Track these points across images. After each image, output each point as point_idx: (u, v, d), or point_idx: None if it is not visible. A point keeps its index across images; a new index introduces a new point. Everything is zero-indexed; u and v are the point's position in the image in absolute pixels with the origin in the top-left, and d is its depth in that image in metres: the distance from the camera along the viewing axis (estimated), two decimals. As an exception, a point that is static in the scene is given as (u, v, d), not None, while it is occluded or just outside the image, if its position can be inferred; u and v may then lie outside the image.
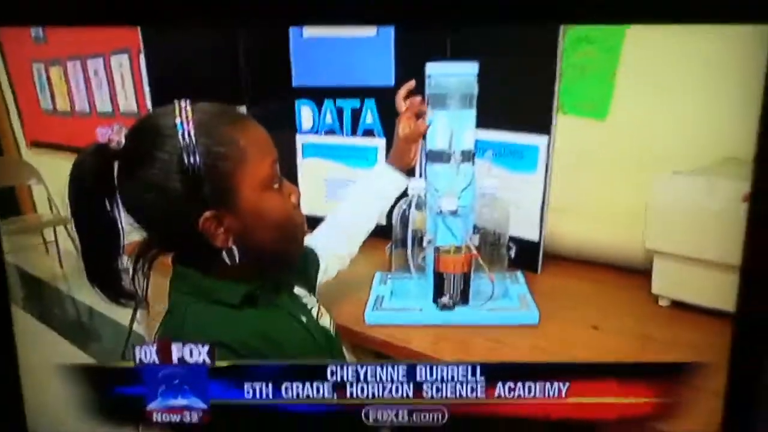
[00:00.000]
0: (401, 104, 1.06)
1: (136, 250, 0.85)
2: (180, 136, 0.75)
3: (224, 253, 0.79)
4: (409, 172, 1.09)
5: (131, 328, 0.96)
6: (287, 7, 0.86)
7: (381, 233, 1.11)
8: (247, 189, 0.79)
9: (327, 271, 1.05)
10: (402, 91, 1.07)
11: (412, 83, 1.05)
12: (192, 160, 0.74)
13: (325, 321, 0.96)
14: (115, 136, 0.76)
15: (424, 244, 1.08)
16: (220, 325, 0.84)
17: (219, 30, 0.98)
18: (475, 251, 1.04)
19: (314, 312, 0.94)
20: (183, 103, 0.77)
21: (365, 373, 0.92)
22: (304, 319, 0.91)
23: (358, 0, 0.83)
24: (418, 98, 1.05)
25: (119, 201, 0.80)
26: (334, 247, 1.06)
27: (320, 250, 1.04)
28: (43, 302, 1.23)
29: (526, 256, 1.13)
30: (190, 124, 0.75)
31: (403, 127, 1.07)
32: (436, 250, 1.05)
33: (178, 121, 0.75)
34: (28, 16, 0.89)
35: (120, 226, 0.81)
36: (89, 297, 0.93)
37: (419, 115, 1.05)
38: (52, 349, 1.13)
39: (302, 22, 0.98)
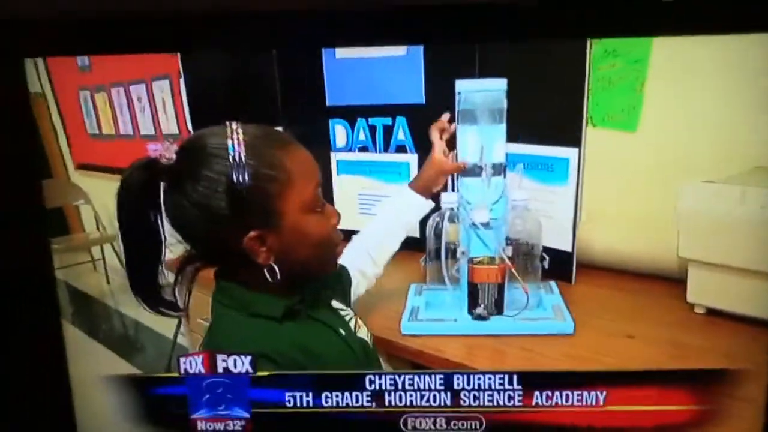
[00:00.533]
0: (435, 136, 1.08)
1: (179, 262, 0.87)
2: (230, 157, 0.77)
3: (265, 270, 0.82)
4: (432, 197, 1.11)
5: (175, 340, 0.99)
6: (319, 31, 0.89)
7: (415, 246, 1.13)
8: (293, 212, 0.81)
9: (357, 289, 1.07)
10: (437, 125, 1.08)
11: (447, 116, 1.07)
12: (241, 180, 0.77)
13: (362, 333, 0.97)
14: (166, 152, 0.79)
15: (458, 255, 1.09)
16: (262, 338, 0.86)
17: (254, 53, 1.01)
18: (508, 262, 1.05)
19: (352, 324, 0.96)
20: (234, 125, 0.79)
21: (403, 382, 0.93)
22: (342, 331, 0.92)
23: (387, 22, 0.85)
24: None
25: (163, 215, 0.83)
26: (360, 267, 1.07)
27: (349, 269, 1.06)
28: (92, 317, 1.26)
29: (560, 267, 1.13)
30: (241, 145, 0.78)
31: (442, 161, 1.08)
32: (470, 261, 1.07)
33: (229, 142, 0.78)
34: (76, 47, 0.93)
35: (163, 239, 0.84)
36: (135, 311, 0.97)
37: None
38: (101, 360, 1.16)
39: (333, 44, 1.01)
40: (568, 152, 1.09)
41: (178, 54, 1.04)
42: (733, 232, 0.98)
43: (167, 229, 0.83)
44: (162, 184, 0.82)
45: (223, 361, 0.90)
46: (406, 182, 1.11)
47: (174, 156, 0.79)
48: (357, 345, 0.94)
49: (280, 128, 1.08)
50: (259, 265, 0.81)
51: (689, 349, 1.00)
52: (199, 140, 0.81)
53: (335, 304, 0.96)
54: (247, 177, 0.77)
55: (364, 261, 1.08)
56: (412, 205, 1.10)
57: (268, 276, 0.82)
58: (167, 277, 0.87)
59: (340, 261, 1.03)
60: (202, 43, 0.91)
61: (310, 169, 0.84)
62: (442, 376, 0.94)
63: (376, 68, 1.09)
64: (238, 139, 0.78)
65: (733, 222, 0.97)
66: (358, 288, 1.08)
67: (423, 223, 1.11)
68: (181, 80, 1.11)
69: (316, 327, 0.90)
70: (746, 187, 0.95)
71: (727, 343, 0.99)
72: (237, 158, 0.77)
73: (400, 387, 0.94)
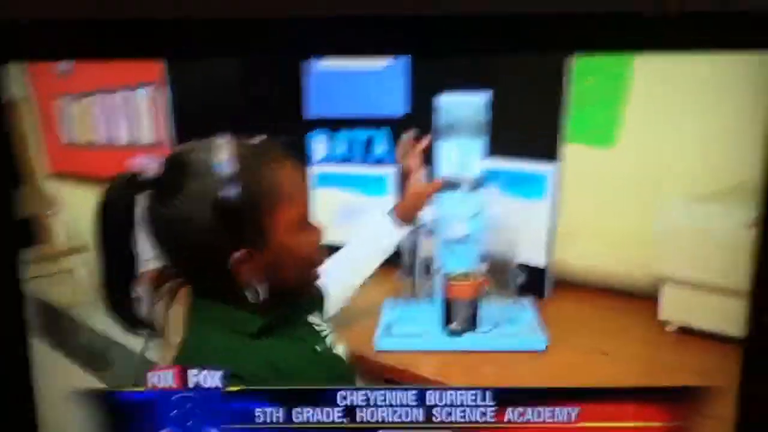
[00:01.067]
0: (415, 162, 1.09)
1: (156, 279, 0.85)
2: (221, 173, 0.75)
3: (248, 291, 0.80)
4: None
5: (144, 354, 0.98)
6: (303, 40, 0.89)
7: (390, 260, 1.13)
8: (282, 230, 0.80)
9: (330, 308, 1.05)
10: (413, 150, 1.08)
11: (411, 133, 1.07)
12: (231, 197, 0.75)
13: (339, 350, 0.97)
14: (151, 166, 0.76)
15: (433, 270, 1.09)
16: (235, 356, 0.85)
17: (237, 62, 1.01)
18: (483, 278, 1.06)
19: (328, 341, 0.95)
20: (225, 139, 0.78)
21: (375, 398, 0.93)
22: (318, 348, 0.92)
23: (370, 32, 0.86)
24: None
25: (136, 231, 0.80)
26: (334, 291, 1.06)
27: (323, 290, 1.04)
28: (58, 329, 1.24)
29: (534, 282, 1.14)
30: (231, 162, 0.75)
31: (419, 184, 1.08)
32: (445, 276, 1.07)
33: (219, 159, 0.76)
34: (58, 52, 0.92)
35: (138, 255, 0.81)
36: (104, 325, 0.95)
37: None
38: (66, 375, 1.14)
39: (318, 53, 1.01)
40: (546, 167, 1.10)
41: (163, 61, 1.03)
42: (706, 250, 1.00)
43: (144, 246, 0.81)
44: (143, 199, 0.79)
45: (194, 375, 0.89)
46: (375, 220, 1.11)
47: (159, 170, 0.77)
48: (333, 361, 0.94)
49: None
50: (242, 283, 0.80)
51: (662, 366, 1.01)
52: (187, 154, 0.79)
53: (312, 319, 0.95)
54: (237, 194, 0.75)
55: (336, 285, 1.07)
56: (393, 234, 1.09)
57: (250, 297, 0.80)
58: (142, 293, 0.85)
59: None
60: (186, 50, 0.90)
61: (300, 185, 0.83)
62: (415, 392, 0.94)
63: (358, 80, 1.09)
64: (227, 154, 0.76)
65: (708, 239, 0.99)
66: (331, 308, 1.06)
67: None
68: (164, 89, 1.10)
69: (292, 343, 0.89)
70: (723, 204, 0.97)
71: (699, 361, 1.00)
72: (226, 175, 0.75)
73: (372, 403, 0.94)
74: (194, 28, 0.85)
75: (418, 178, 1.08)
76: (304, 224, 0.83)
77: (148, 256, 0.82)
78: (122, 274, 0.82)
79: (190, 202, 0.76)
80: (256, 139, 0.82)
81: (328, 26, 0.84)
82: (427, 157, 1.08)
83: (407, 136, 1.07)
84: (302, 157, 1.15)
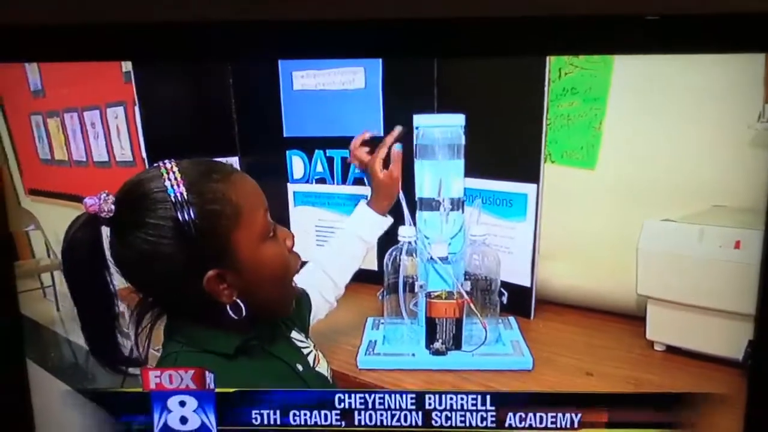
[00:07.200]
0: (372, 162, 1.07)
1: (136, 311, 0.84)
2: (172, 200, 0.74)
3: (229, 308, 0.79)
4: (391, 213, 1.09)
5: (127, 370, 0.96)
6: (277, 43, 0.87)
7: (372, 279, 1.11)
8: (247, 243, 0.79)
9: (317, 314, 1.04)
10: (356, 141, 1.07)
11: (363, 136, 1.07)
12: (188, 223, 0.74)
13: (322, 367, 0.95)
14: (104, 205, 0.75)
15: (416, 289, 1.08)
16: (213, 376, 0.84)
17: (210, 72, 1.00)
18: (466, 297, 1.05)
19: (311, 358, 0.93)
20: (168, 164, 0.76)
21: (373, 401, 0.91)
22: (299, 366, 0.90)
23: (347, 36, 0.84)
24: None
25: (111, 268, 0.79)
26: (321, 292, 1.05)
27: (309, 294, 1.03)
28: (41, 346, 1.23)
29: (519, 302, 1.13)
30: (181, 185, 0.75)
31: (385, 175, 1.07)
32: (428, 295, 1.06)
33: (168, 185, 0.75)
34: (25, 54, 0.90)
35: (114, 292, 0.81)
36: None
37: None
38: (51, 390, 1.13)
39: (292, 56, 1.01)
40: (527, 188, 1.09)
41: (132, 82, 1.02)
42: (691, 271, 0.98)
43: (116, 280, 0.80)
44: (107, 238, 0.78)
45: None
46: (363, 200, 1.10)
47: (113, 207, 0.76)
48: (314, 381, 0.92)
49: (235, 158, 1.07)
50: (221, 303, 0.79)
51: (648, 386, 1.00)
52: (136, 187, 0.77)
53: (295, 335, 0.94)
54: (193, 217, 0.74)
55: (324, 284, 1.06)
56: (375, 223, 1.08)
57: (232, 314, 0.79)
58: (126, 329, 0.84)
59: (300, 284, 1.01)
60: (155, 53, 0.88)
61: (255, 196, 0.82)
62: (413, 396, 0.92)
63: (335, 101, 1.08)
64: (176, 179, 0.75)
65: (691, 260, 0.98)
66: (318, 312, 1.05)
67: (380, 256, 1.10)
68: (136, 107, 1.08)
69: (271, 363, 0.87)
70: (704, 225, 0.96)
71: (686, 381, 0.99)
72: (179, 200, 0.74)
73: (370, 406, 0.92)
74: (164, 33, 0.83)
75: (380, 170, 1.07)
76: (269, 232, 0.82)
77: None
78: (103, 315, 0.81)
79: (150, 236, 0.75)
80: (203, 160, 0.80)
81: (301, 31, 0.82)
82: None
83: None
84: (276, 176, 1.14)
